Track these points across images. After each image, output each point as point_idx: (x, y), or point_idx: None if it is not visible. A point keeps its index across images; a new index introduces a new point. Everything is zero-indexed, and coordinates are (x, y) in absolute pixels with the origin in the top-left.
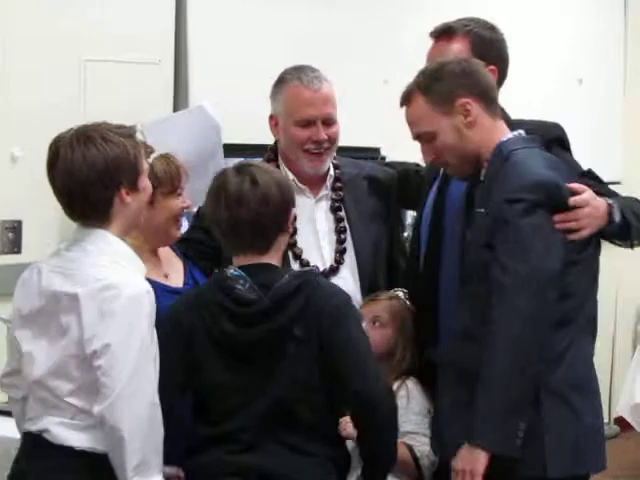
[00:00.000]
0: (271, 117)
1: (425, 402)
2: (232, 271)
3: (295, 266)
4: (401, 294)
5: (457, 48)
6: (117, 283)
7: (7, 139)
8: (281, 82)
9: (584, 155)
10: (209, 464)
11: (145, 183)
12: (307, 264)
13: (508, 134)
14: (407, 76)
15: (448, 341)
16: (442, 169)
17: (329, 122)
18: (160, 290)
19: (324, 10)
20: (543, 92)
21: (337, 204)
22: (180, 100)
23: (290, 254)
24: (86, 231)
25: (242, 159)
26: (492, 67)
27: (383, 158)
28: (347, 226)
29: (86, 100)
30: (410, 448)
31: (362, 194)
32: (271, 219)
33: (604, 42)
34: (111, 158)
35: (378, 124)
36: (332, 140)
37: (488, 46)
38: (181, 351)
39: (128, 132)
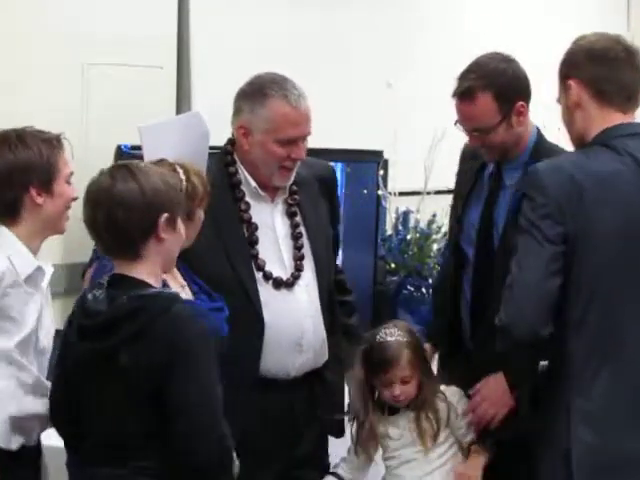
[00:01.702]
0: (240, 127)
1: (464, 399)
2: (102, 279)
3: (259, 277)
4: (401, 332)
5: (481, 102)
6: None
7: None
8: (263, 96)
9: None
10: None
11: (63, 189)
12: (270, 276)
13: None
14: (410, 79)
15: None
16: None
17: (305, 139)
18: (208, 311)
19: (327, 14)
20: (548, 95)
21: (293, 209)
22: (183, 104)
23: (253, 266)
24: None
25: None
26: (521, 102)
27: (386, 161)
28: (303, 231)
29: (89, 104)
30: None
31: (315, 196)
32: (130, 223)
33: None
34: (21, 159)
35: (381, 127)
36: (305, 155)
37: (512, 88)
38: (58, 367)
39: (47, 137)
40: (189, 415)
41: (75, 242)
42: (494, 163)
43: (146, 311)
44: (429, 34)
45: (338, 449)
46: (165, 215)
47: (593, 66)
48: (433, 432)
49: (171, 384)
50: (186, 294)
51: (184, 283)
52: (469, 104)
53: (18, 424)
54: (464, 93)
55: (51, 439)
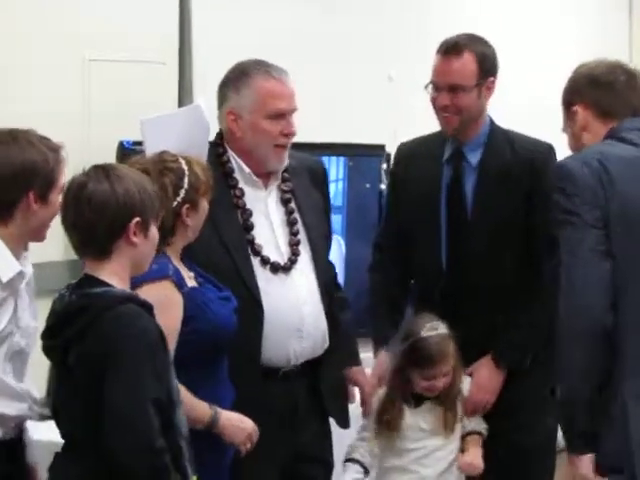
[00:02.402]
0: (230, 112)
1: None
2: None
3: (255, 262)
4: (442, 327)
5: (466, 60)
6: None
7: None
8: (246, 76)
9: None
10: None
11: (55, 199)
12: (267, 260)
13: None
14: (411, 72)
15: None
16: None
17: (292, 115)
18: (217, 299)
19: (327, 8)
20: (547, 93)
21: (287, 195)
22: (184, 100)
23: (250, 251)
24: None
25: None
26: (492, 79)
27: (388, 155)
28: (298, 217)
29: (90, 100)
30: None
31: (307, 186)
32: (97, 223)
33: (608, 42)
34: (29, 160)
35: (383, 121)
36: (295, 130)
37: (490, 60)
38: None
39: (53, 146)
40: (113, 414)
41: None
42: (452, 148)
43: (90, 309)
44: (431, 27)
45: (342, 441)
46: (136, 219)
47: (595, 90)
48: (453, 424)
49: (104, 382)
50: (192, 283)
51: (191, 274)
52: (454, 58)
53: None
54: (452, 47)
55: (41, 434)
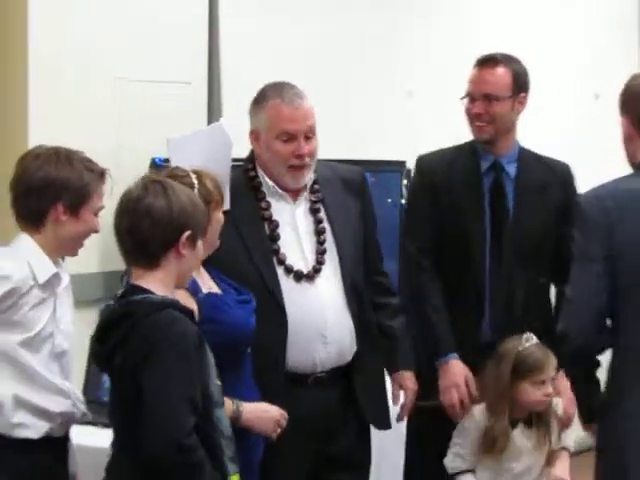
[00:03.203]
0: (252, 132)
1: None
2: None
3: (280, 271)
4: (533, 338)
5: (501, 72)
6: None
7: None
8: (262, 100)
9: (600, 170)
10: None
11: (88, 217)
12: (291, 269)
13: None
14: (431, 88)
15: None
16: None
17: (309, 136)
18: (235, 302)
19: (350, 27)
20: (559, 108)
21: (316, 205)
22: (213, 119)
23: (275, 260)
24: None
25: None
26: (524, 94)
27: (409, 171)
28: (327, 226)
29: (120, 119)
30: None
31: (339, 194)
32: (152, 236)
33: (620, 56)
34: (61, 176)
35: (403, 137)
36: (312, 154)
37: (523, 77)
38: None
39: (94, 168)
40: (147, 410)
41: (113, 250)
42: (490, 159)
43: (130, 316)
44: (450, 43)
45: (382, 446)
46: (188, 232)
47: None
48: (548, 442)
49: (142, 384)
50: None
51: (212, 285)
52: (490, 69)
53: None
54: (488, 60)
55: (85, 438)
